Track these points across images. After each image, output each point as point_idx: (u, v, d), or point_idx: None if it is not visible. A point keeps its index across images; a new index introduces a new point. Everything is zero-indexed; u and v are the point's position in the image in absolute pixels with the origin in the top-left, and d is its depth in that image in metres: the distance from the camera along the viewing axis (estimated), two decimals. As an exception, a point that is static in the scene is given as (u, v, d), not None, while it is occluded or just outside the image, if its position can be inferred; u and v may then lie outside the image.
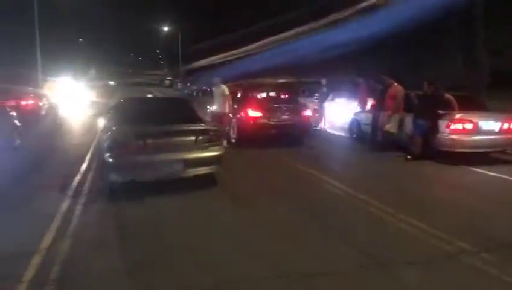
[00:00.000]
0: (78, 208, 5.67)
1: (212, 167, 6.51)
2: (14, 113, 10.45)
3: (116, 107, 7.77)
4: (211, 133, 6.57)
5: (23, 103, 14.38)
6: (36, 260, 4.08)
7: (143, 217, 5.39)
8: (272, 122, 10.41)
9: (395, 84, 10.10)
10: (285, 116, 10.61)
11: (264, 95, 12.05)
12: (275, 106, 10.81)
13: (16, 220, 5.26)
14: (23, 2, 24.09)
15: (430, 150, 8.74)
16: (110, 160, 5.92)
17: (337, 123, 14.01)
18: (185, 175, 6.30)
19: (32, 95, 16.15)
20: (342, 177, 7.41)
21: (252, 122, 10.33)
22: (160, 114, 7.01)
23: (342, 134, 12.84)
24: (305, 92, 16.15)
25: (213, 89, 11.27)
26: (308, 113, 10.79)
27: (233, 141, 10.73)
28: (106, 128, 6.98)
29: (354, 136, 11.81)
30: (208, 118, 10.48)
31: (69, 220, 5.18)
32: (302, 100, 12.86)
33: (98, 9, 44.66)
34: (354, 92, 13.51)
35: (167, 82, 64.08)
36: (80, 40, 49.21)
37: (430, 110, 8.75)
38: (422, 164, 8.58)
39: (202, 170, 6.41)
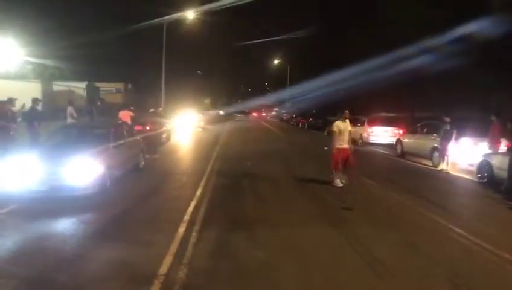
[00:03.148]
0: (194, 235, 5.74)
1: None
2: (141, 138, 11.41)
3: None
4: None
5: (147, 128, 15.75)
6: (155, 286, 4.12)
7: (255, 248, 5.23)
8: None
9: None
10: None
11: None
12: None
13: (136, 242, 5.49)
14: (155, 38, 27.03)
15: None
16: None
17: (462, 165, 12.58)
18: None
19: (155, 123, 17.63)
20: (475, 229, 6.42)
21: None
22: None
23: (468, 177, 11.44)
24: (424, 128, 14.96)
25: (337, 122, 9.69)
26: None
27: None
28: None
29: (484, 180, 10.38)
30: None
31: (185, 247, 5.23)
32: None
33: (215, 44, 48.27)
34: (484, 131, 12.06)
35: (273, 113, 67.92)
36: (199, 72, 53.34)
37: None
38: None
39: None
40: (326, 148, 12.49)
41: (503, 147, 10.98)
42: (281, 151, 17.10)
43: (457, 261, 5.11)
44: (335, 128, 9.60)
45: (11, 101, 10.93)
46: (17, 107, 11.63)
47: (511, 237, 6.25)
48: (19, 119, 11.67)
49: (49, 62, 25.68)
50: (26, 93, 14.95)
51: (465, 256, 5.32)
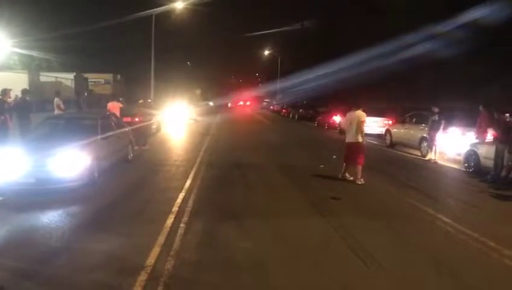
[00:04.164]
0: (182, 226, 5.73)
1: None
2: (129, 129, 11.31)
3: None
4: None
5: (136, 120, 15.60)
6: (142, 277, 4.11)
7: (243, 240, 5.24)
8: None
9: (525, 116, 8.83)
10: None
11: None
12: None
13: (124, 233, 5.47)
14: (142, 28, 26.68)
15: None
16: None
17: (450, 154, 12.70)
18: None
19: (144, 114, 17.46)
20: (462, 218, 6.50)
21: None
22: None
23: (456, 167, 11.57)
24: (413, 118, 15.07)
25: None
26: None
27: None
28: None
29: (471, 170, 10.51)
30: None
31: (173, 238, 5.23)
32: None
33: (206, 35, 48.13)
34: (472, 121, 12.16)
35: (264, 104, 68.22)
36: (188, 63, 52.97)
37: None
38: None
39: None
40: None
41: (489, 136, 11.10)
42: (271, 142, 17.08)
43: (444, 250, 5.19)
44: (364, 119, 9.09)
45: (5, 92, 10.68)
46: (12, 98, 11.43)
47: (495, 225, 6.34)
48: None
49: (36, 53, 25.27)
50: (12, 84, 14.66)
51: (452, 245, 5.40)
